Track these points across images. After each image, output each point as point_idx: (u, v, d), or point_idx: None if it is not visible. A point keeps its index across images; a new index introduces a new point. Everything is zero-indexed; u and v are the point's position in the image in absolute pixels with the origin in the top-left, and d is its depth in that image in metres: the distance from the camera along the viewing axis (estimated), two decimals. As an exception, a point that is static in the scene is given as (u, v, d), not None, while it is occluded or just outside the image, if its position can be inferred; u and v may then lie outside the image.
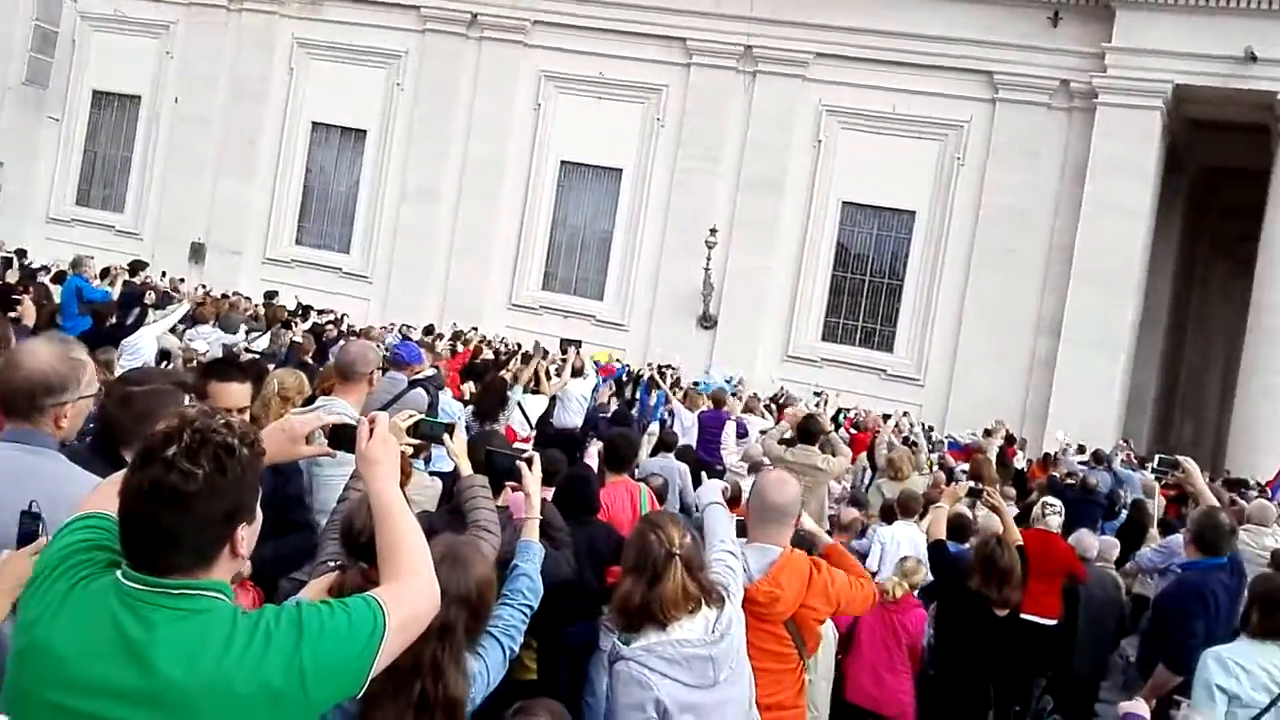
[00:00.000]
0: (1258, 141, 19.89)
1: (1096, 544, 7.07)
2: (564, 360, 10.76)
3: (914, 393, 21.10)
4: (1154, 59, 18.95)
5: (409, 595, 1.77)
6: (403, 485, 3.99)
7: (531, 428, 9.34)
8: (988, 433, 13.76)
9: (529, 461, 3.08)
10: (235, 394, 3.21)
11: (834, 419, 15.93)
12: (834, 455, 8.42)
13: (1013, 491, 10.21)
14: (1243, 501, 9.70)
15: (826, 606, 3.32)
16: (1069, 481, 11.47)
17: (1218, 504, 5.64)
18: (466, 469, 3.05)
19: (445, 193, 23.57)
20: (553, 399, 9.80)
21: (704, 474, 8.38)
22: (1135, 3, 19.08)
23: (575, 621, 4.21)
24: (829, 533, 7.53)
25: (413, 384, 6.05)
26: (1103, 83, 19.37)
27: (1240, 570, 4.98)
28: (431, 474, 4.88)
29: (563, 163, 23.66)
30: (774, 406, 15.68)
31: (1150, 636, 5.32)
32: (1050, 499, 6.80)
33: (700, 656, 2.57)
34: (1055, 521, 6.33)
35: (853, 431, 15.08)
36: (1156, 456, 12.29)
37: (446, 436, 2.80)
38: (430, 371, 6.84)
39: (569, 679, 4.37)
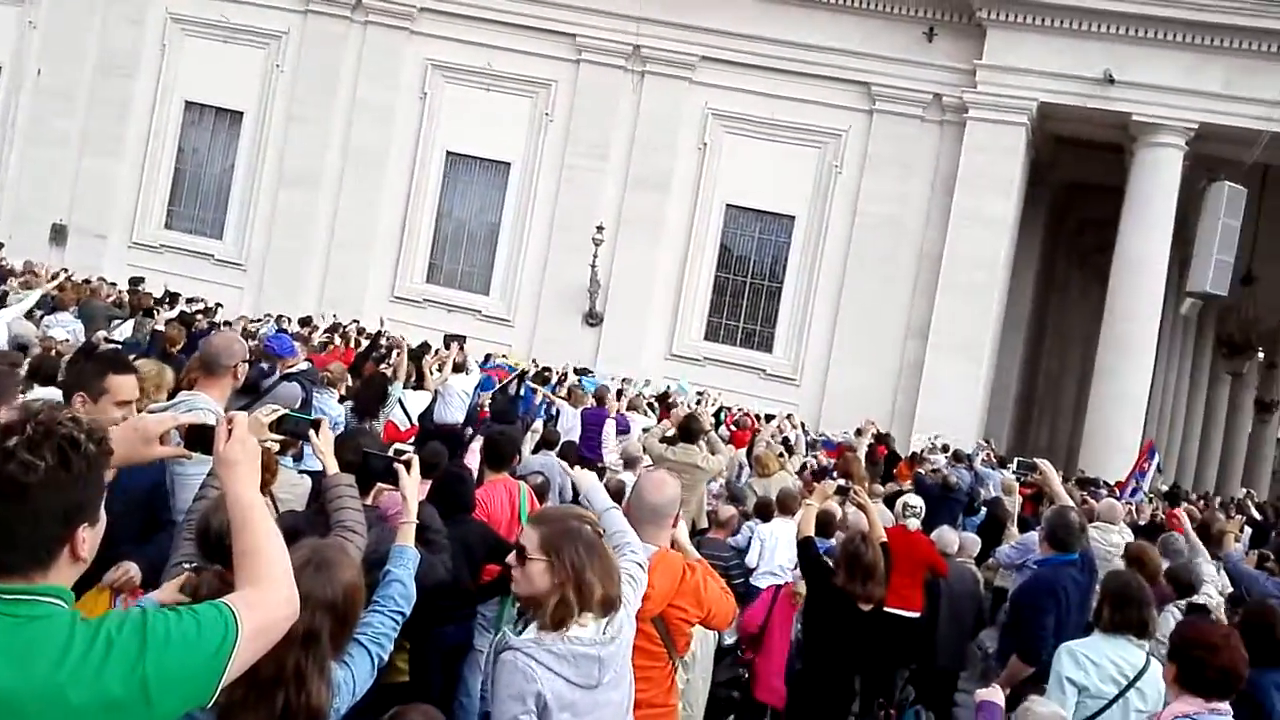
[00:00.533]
0: (1114, 159, 21.03)
1: (957, 540, 7.38)
2: (448, 355, 10.56)
3: (791, 392, 21.63)
4: (1020, 77, 19.89)
5: (265, 602, 1.71)
6: (269, 483, 3.89)
7: (412, 423, 9.18)
8: (859, 432, 14.18)
9: (407, 464, 3.01)
10: (131, 387, 3.11)
11: (716, 416, 16.30)
12: (714, 453, 8.58)
13: (881, 489, 10.54)
14: (1093, 501, 10.31)
15: (697, 609, 3.33)
16: (931, 479, 11.96)
17: (1071, 503, 5.98)
18: (332, 467, 2.95)
19: (326, 179, 22.89)
20: (434, 394, 9.65)
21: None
22: (1004, 22, 19.91)
23: (449, 622, 4.16)
24: (707, 529, 7.69)
25: (285, 378, 5.86)
26: (973, 98, 20.20)
27: (1091, 566, 5.30)
28: (301, 472, 4.73)
29: (449, 154, 23.29)
30: (658, 405, 15.82)
31: (1007, 629, 5.60)
32: (911, 499, 7.06)
33: (589, 656, 2.55)
34: (914, 524, 6.59)
35: (733, 429, 15.38)
36: (1016, 459, 13.03)
37: (312, 433, 2.72)
38: (304, 365, 6.63)
39: (443, 680, 4.31)
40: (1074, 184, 24.74)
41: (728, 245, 22.71)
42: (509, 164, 23.04)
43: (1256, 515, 15.90)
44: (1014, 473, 15.61)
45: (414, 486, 2.99)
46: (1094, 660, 3.88)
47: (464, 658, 4.31)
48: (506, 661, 2.50)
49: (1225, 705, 3.21)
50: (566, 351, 20.72)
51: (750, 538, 7.29)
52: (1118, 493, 13.71)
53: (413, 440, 8.33)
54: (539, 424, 13.12)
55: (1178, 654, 3.33)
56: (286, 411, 2.62)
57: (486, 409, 12.20)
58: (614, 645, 2.62)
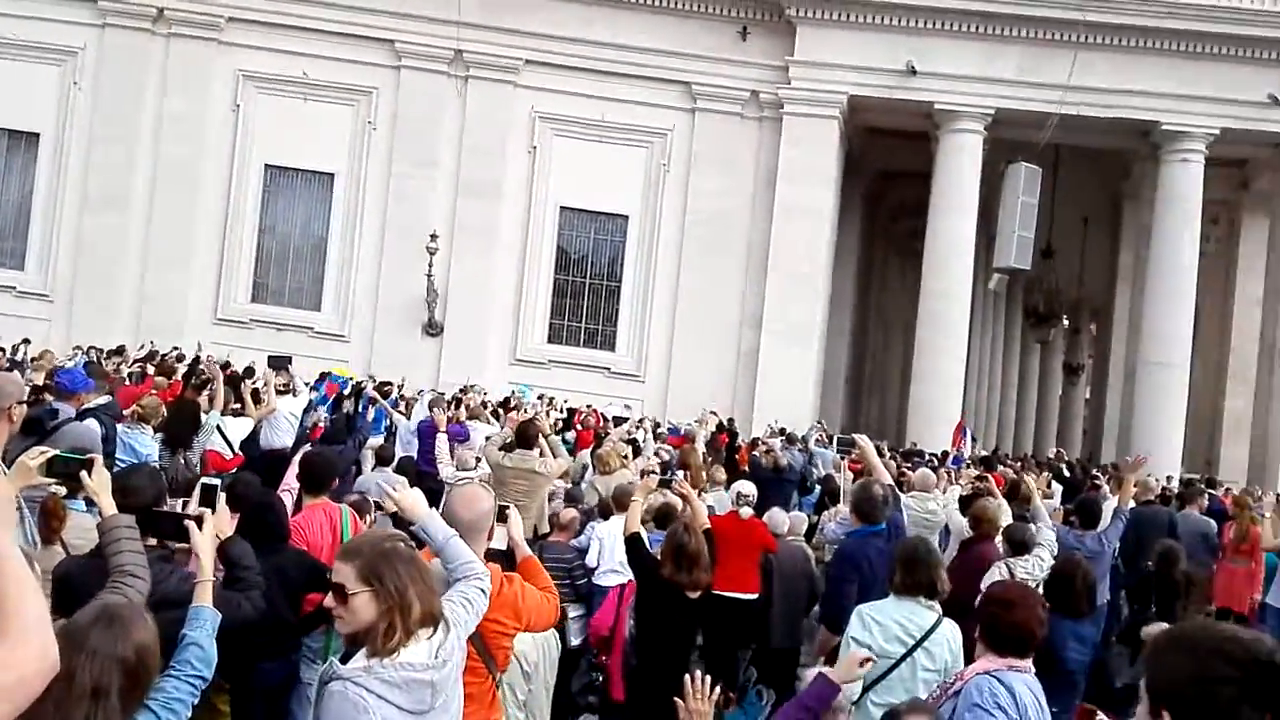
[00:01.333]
0: (921, 147, 22.22)
1: (787, 520, 7.67)
2: (268, 380, 10.14)
3: (636, 389, 21.96)
4: (830, 72, 20.78)
5: (15, 659, 1.64)
6: (58, 530, 3.70)
7: (235, 451, 8.81)
8: (699, 422, 14.55)
9: (198, 520, 2.89)
10: None
11: (565, 419, 16.35)
12: (555, 458, 8.62)
13: (723, 476, 10.80)
14: (910, 473, 10.92)
15: (515, 621, 3.33)
16: (766, 461, 12.40)
17: (887, 476, 6.32)
18: (109, 508, 2.82)
19: (135, 200, 21.60)
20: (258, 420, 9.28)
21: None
22: (813, 19, 20.75)
23: (270, 657, 4.04)
24: (549, 533, 7.71)
25: (82, 415, 5.55)
26: (787, 94, 20.99)
27: (899, 535, 5.61)
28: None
29: (268, 167, 22.41)
30: (501, 412, 15.72)
31: (821, 601, 5.86)
32: (744, 487, 7.29)
33: (421, 681, 2.50)
34: (746, 511, 6.82)
35: (578, 429, 15.48)
36: (835, 436, 13.67)
37: (84, 474, 2.61)
38: (103, 399, 6.27)
39: (267, 718, 4.19)
40: (886, 172, 26.04)
41: (564, 247, 22.78)
42: (333, 175, 22.38)
43: (1066, 473, 17.14)
44: (839, 448, 16.33)
45: (207, 544, 2.89)
46: (880, 621, 4.03)
47: (289, 693, 4.20)
48: (335, 693, 2.43)
49: (1025, 663, 3.30)
50: (407, 364, 20.34)
51: (591, 537, 7.37)
52: (946, 462, 14.60)
53: (237, 469, 8.03)
54: (376, 440, 12.88)
55: (979, 612, 3.46)
56: (55, 453, 2.51)
57: (322, 427, 11.87)
58: (446, 669, 2.59)
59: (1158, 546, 7.80)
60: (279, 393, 9.75)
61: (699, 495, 9.23)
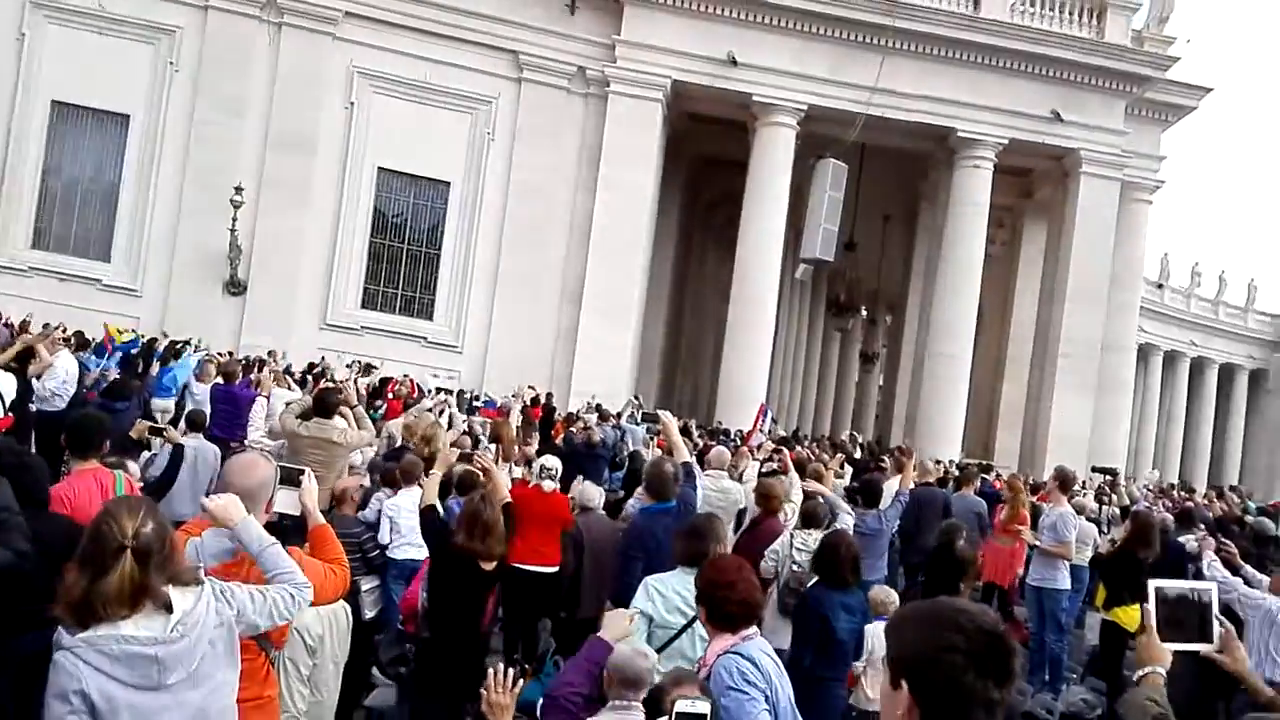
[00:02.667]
0: (740, 136, 22.90)
1: (597, 494, 7.82)
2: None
3: (453, 360, 21.69)
4: (656, 55, 21.08)
5: None
6: None
7: (6, 410, 8.13)
8: (514, 396, 14.57)
9: None
10: None
11: (378, 388, 15.93)
12: (360, 428, 8.38)
13: (532, 450, 10.86)
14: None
15: None
16: (580, 436, 12.59)
17: (686, 454, 6.51)
18: None
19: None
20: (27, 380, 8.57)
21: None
22: (640, 1, 20.97)
23: (25, 629, 3.77)
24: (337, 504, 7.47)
25: None
26: (613, 73, 21.16)
27: (689, 511, 5.81)
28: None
29: (55, 103, 20.59)
30: (310, 379, 15.17)
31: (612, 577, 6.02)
32: (547, 461, 7.34)
33: (144, 656, 2.43)
34: (549, 485, 6.88)
35: (389, 398, 15.13)
36: (642, 413, 14.02)
37: None
38: None
39: (19, 694, 3.91)
40: (707, 159, 26.63)
41: (382, 210, 22.11)
42: (128, 116, 20.82)
43: (855, 454, 18.22)
44: (646, 425, 16.70)
45: None
46: (663, 592, 4.17)
47: (46, 667, 3.93)
48: (56, 662, 2.40)
49: (752, 629, 3.42)
50: (206, 323, 19.34)
51: (380, 510, 7.23)
52: (749, 442, 15.18)
53: (6, 432, 7.44)
54: (170, 404, 12.15)
55: (703, 597, 3.50)
56: None
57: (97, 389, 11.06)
58: (182, 644, 2.50)
59: (941, 525, 8.43)
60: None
61: (509, 468, 9.33)
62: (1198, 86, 24.07)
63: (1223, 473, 42.64)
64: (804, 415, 37.75)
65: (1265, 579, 6.98)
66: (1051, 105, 21.83)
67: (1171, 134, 26.28)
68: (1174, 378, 42.24)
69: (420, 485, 6.65)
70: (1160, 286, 40.07)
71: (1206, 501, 17.32)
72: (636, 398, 20.00)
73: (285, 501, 3.75)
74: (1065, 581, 8.99)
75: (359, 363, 18.07)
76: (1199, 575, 10.09)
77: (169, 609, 2.52)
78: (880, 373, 38.35)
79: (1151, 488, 21.76)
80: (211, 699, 2.61)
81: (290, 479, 3.73)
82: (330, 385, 9.01)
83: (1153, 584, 3.06)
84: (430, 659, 4.81)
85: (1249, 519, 11.34)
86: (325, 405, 7.36)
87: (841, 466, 13.97)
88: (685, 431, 12.10)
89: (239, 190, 19.64)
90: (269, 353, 17.25)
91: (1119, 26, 22.06)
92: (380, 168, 21.75)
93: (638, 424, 16.25)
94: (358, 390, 10.06)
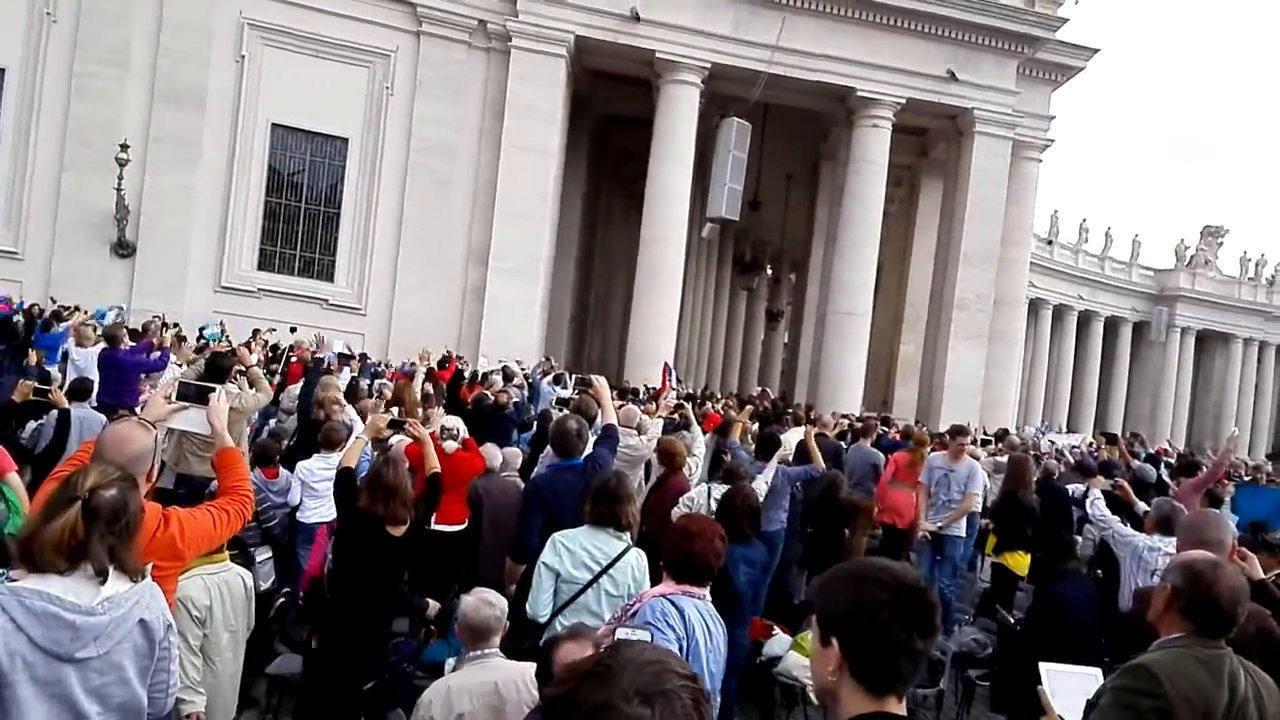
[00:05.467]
0: (645, 94, 22.79)
1: (500, 455, 7.83)
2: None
3: (356, 322, 21.26)
4: (558, 9, 20.75)
5: None
6: None
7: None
8: (420, 358, 14.34)
9: None
10: None
11: (273, 352, 15.54)
12: (257, 391, 8.21)
13: (440, 412, 10.76)
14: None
15: (175, 561, 3.18)
16: (498, 397, 12.52)
17: (613, 416, 6.55)
18: None
19: None
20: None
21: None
22: (543, -47, 20.61)
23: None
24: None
25: None
26: (516, 27, 20.78)
27: (596, 469, 5.88)
28: None
29: (-81, 56, 19.29)
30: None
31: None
32: (449, 422, 7.33)
33: (62, 619, 2.34)
34: (451, 445, 6.88)
35: (292, 362, 14.79)
36: (574, 376, 14.05)
37: None
38: None
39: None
40: (612, 117, 26.46)
41: (277, 167, 21.39)
42: (2, 71, 19.59)
43: (763, 409, 18.61)
44: (574, 388, 16.71)
45: None
46: (570, 548, 4.24)
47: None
48: None
49: (700, 590, 3.52)
50: (93, 288, 18.52)
51: (292, 476, 7.16)
52: (662, 397, 15.34)
53: None
54: (54, 370, 11.67)
55: (665, 541, 3.63)
56: None
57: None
58: (102, 620, 2.42)
59: (823, 476, 8.71)
60: None
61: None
62: (1085, 47, 24.88)
63: (1107, 420, 44.93)
64: (712, 372, 38.24)
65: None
66: (947, 65, 22.32)
67: (1061, 94, 27.24)
68: (1062, 330, 44.18)
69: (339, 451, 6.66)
70: (1050, 243, 41.76)
71: (1094, 448, 18.20)
72: (548, 358, 19.96)
73: (194, 420, 3.67)
74: (963, 529, 9.37)
75: (273, 330, 17.63)
76: (1085, 520, 10.70)
77: (104, 581, 2.44)
78: (785, 330, 39.04)
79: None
80: (114, 690, 2.51)
81: (199, 397, 3.65)
82: (222, 349, 8.77)
83: (1044, 667, 3.30)
84: (334, 624, 4.77)
85: (1134, 464, 11.97)
86: (219, 369, 7.20)
87: (751, 420, 14.33)
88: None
89: (124, 148, 18.73)
90: (153, 318, 16.62)
91: (1012, -13, 22.62)
92: (274, 124, 21.01)
93: (565, 387, 16.22)
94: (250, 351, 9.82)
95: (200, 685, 4.22)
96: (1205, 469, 12.13)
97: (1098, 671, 3.51)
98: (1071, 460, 13.68)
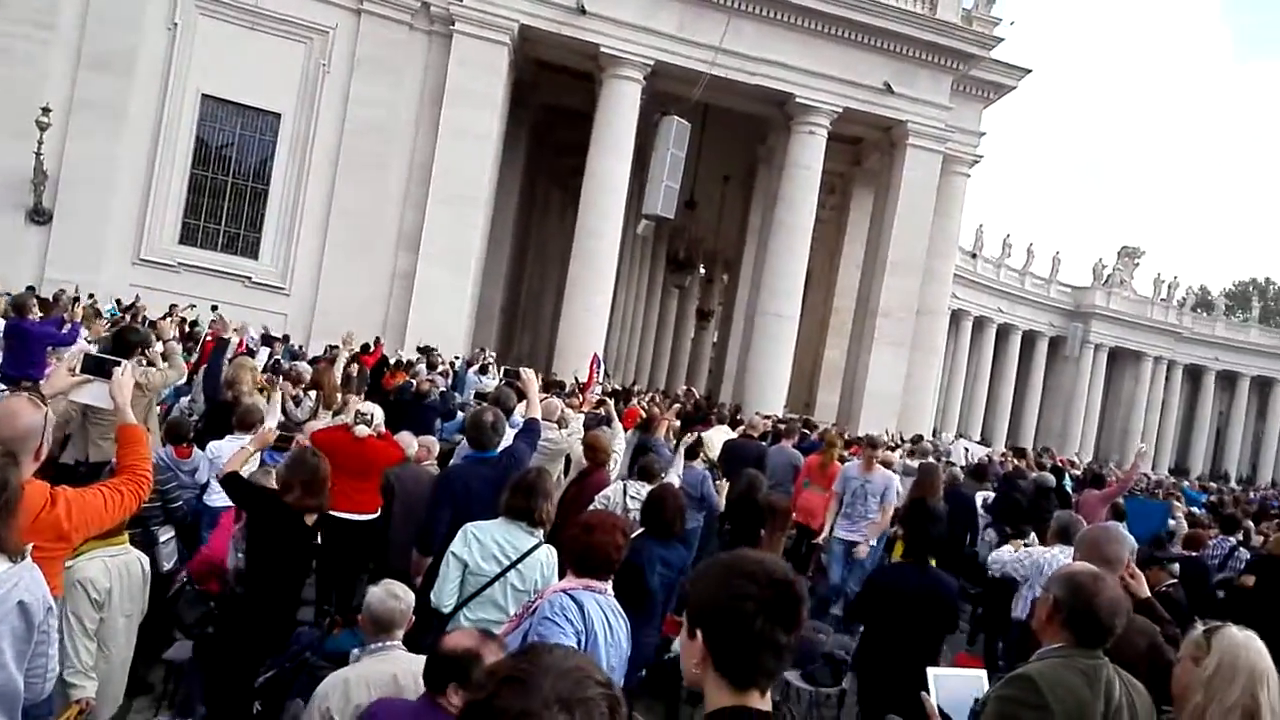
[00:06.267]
0: (587, 87, 22.75)
1: (414, 443, 7.77)
2: None
3: (280, 301, 20.84)
4: (503, -3, 20.61)
5: None
6: None
7: None
8: (343, 343, 14.11)
9: None
10: None
11: (185, 328, 15.16)
12: (172, 367, 8.01)
13: (355, 399, 10.60)
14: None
15: (60, 544, 3.09)
16: (425, 386, 12.43)
17: (538, 410, 6.54)
18: None
19: None
20: None
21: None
22: (488, -60, 20.40)
23: None
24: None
25: None
26: (459, 11, 20.53)
27: (517, 464, 5.88)
28: None
29: None
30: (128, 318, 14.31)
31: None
32: (363, 407, 7.16)
33: None
34: (363, 430, 6.80)
35: (207, 339, 14.46)
36: (503, 368, 14.01)
37: None
38: None
39: None
40: (553, 108, 26.32)
41: (205, 140, 20.83)
42: (-86, 27, 18.76)
43: (689, 408, 18.76)
44: (504, 380, 16.63)
45: None
46: (480, 540, 4.23)
47: None
48: None
49: (602, 584, 3.55)
50: (6, 253, 17.90)
51: (202, 455, 7.00)
52: (589, 390, 15.38)
53: None
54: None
55: (567, 535, 3.66)
56: None
57: None
58: None
59: (742, 476, 8.85)
60: None
61: (329, 416, 9.12)
62: (1018, 67, 25.56)
63: (1020, 431, 46.32)
64: (641, 368, 38.37)
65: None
66: (884, 77, 22.71)
67: (991, 112, 27.92)
68: (981, 342, 45.41)
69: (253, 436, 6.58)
70: (974, 256, 42.86)
71: (1003, 458, 18.77)
72: (482, 350, 19.83)
73: (96, 394, 3.58)
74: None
75: (193, 307, 17.18)
76: (989, 526, 11.04)
77: None
78: (715, 329, 39.33)
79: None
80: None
81: (102, 371, 3.56)
82: (130, 324, 8.53)
83: (931, 673, 3.38)
84: (241, 616, 4.68)
85: (1032, 475, 12.40)
86: (125, 344, 6.99)
87: (678, 417, 14.45)
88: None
89: (46, 111, 18.12)
90: (60, 290, 16.09)
91: (950, 4, 23.08)
92: (205, 94, 20.45)
93: (493, 377, 16.11)
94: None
95: (92, 670, 4.13)
96: (1112, 482, 12.65)
97: (983, 673, 3.62)
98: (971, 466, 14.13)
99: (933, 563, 8.11)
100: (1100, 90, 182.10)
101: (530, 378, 6.42)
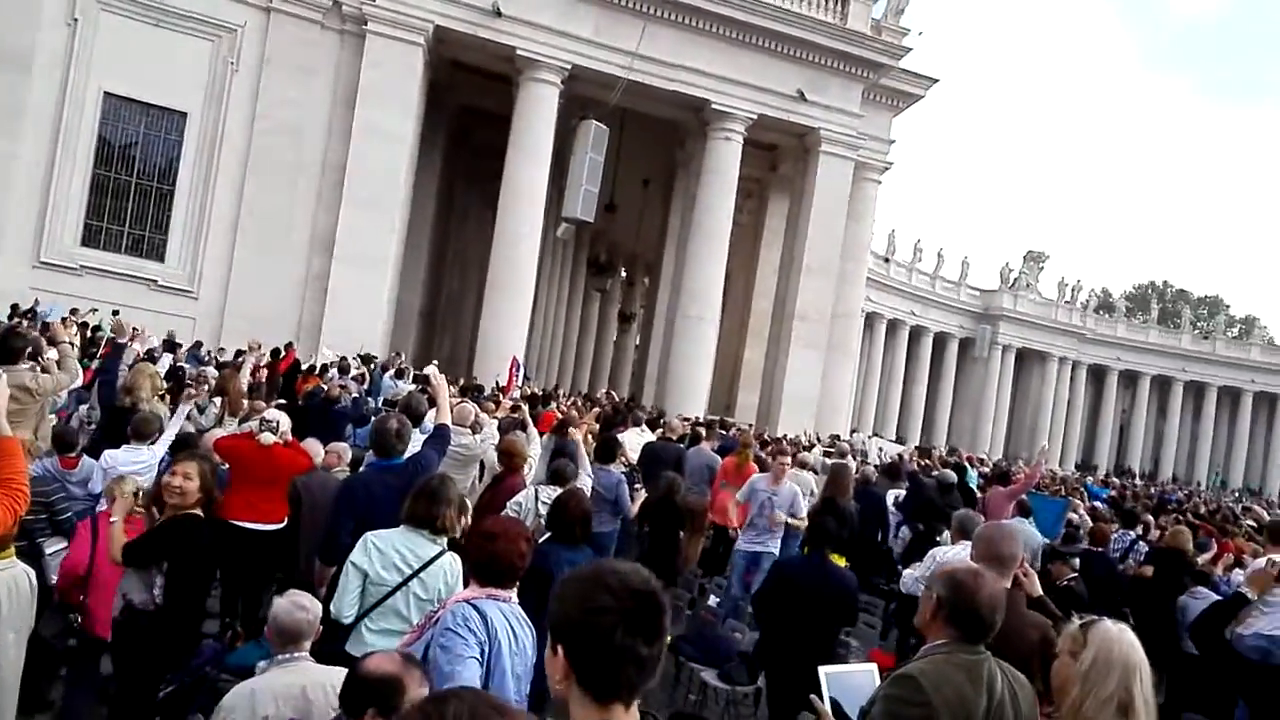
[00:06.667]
0: (505, 90, 22.59)
1: (321, 451, 7.64)
2: None
3: (189, 306, 20.28)
4: (418, -3, 20.36)
5: None
6: None
7: None
8: (250, 349, 13.80)
9: None
10: None
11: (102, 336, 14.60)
12: (65, 371, 7.73)
13: (265, 405, 10.38)
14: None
15: None
16: (337, 392, 12.21)
17: (448, 415, 6.46)
18: None
19: None
20: None
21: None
22: (402, -62, 20.14)
23: None
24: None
25: None
26: (371, 11, 20.25)
27: (424, 471, 5.82)
28: None
29: None
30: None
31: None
32: (269, 414, 7.00)
33: None
34: (268, 438, 6.66)
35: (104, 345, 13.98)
36: (413, 373, 13.82)
37: None
38: None
39: None
40: (471, 110, 26.08)
41: (108, 139, 20.14)
42: None
43: (609, 410, 18.81)
44: (416, 385, 16.41)
45: None
46: (381, 549, 4.14)
47: None
48: None
49: (506, 593, 3.51)
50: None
51: (94, 464, 6.76)
52: (501, 398, 15.27)
53: None
54: None
55: (469, 543, 3.60)
56: None
57: None
58: None
59: (661, 478, 8.92)
60: None
61: (235, 423, 8.92)
62: (926, 77, 26.26)
63: (933, 430, 47.56)
64: (563, 372, 38.27)
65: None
66: (797, 85, 23.11)
67: (901, 120, 28.62)
68: (895, 344, 46.52)
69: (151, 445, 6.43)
70: (887, 260, 43.91)
71: (912, 458, 19.26)
72: (398, 354, 19.55)
73: None
74: (777, 547, 9.49)
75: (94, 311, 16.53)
76: (901, 524, 11.33)
77: None
78: (637, 332, 39.46)
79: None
80: None
81: None
82: (14, 329, 8.19)
83: (823, 671, 3.44)
84: (160, 627, 4.54)
85: (936, 471, 12.78)
86: (10, 350, 6.73)
87: (597, 420, 14.46)
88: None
89: (-64, 107, 17.32)
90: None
91: (860, 15, 23.62)
92: (107, 92, 19.79)
93: (409, 382, 15.88)
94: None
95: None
96: (1018, 478, 13.11)
97: (873, 667, 3.71)
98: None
99: (841, 561, 8.33)
100: (1007, 100, 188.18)
101: (440, 382, 6.30)
